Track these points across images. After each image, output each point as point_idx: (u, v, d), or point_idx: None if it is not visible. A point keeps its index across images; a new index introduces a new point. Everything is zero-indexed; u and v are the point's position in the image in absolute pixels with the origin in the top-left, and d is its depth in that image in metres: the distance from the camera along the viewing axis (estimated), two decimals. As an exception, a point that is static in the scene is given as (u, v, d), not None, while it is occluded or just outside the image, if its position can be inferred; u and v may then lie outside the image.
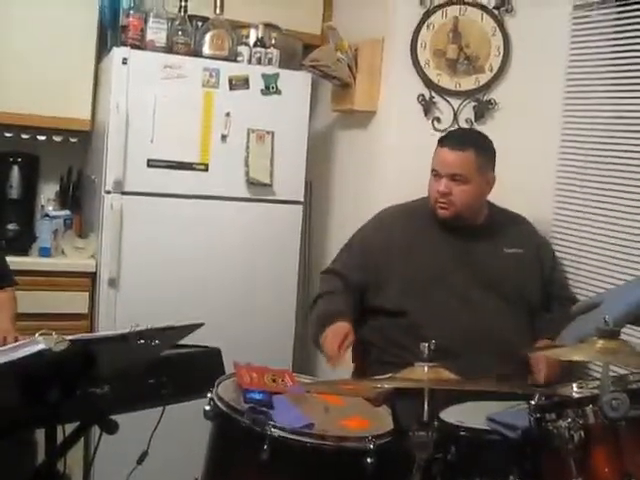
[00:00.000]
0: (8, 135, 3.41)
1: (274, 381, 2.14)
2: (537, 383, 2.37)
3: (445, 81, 3.20)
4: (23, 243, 3.30)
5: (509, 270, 2.63)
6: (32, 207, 3.47)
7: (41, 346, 1.53)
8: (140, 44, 3.18)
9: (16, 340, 2.21)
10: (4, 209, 3.37)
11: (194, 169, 3.23)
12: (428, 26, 3.18)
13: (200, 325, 1.98)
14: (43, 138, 3.48)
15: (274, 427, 1.88)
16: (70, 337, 1.60)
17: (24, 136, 3.45)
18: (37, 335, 1.57)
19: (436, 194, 2.61)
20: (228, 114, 3.26)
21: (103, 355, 1.77)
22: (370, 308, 2.67)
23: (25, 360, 1.52)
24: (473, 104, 3.18)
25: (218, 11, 3.31)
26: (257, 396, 2.00)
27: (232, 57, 3.34)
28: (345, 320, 2.49)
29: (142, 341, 1.77)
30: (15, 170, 3.37)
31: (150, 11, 3.21)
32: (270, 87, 3.33)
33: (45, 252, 3.26)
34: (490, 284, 2.60)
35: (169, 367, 2.05)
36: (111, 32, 3.33)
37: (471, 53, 3.15)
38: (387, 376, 1.87)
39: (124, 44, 3.15)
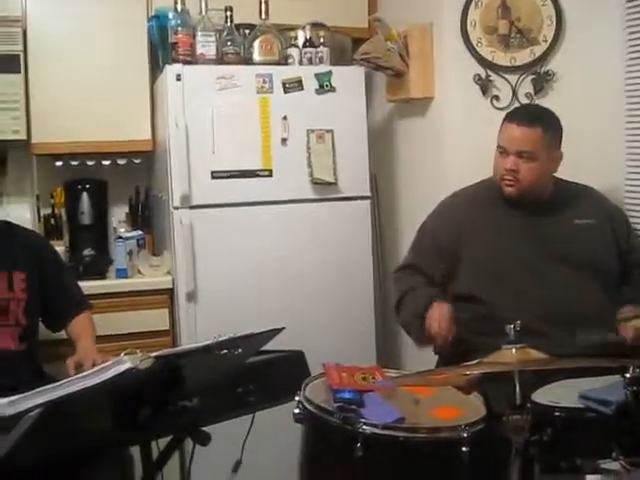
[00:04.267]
0: (74, 164, 3.48)
1: (364, 379, 2.12)
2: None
3: (500, 58, 3.14)
4: (100, 267, 3.36)
5: (582, 241, 2.57)
6: (105, 231, 3.54)
7: (127, 365, 1.55)
8: (191, 59, 3.21)
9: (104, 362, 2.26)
10: (78, 236, 3.45)
11: (258, 176, 3.24)
12: (476, 4, 3.12)
13: (281, 330, 1.98)
14: (108, 163, 3.54)
15: (365, 424, 1.87)
16: (154, 354, 1.62)
17: (89, 163, 3.52)
18: (122, 355, 1.59)
19: (503, 171, 2.57)
20: (285, 117, 3.26)
21: (189, 368, 1.78)
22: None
23: (113, 380, 1.54)
24: (531, 77, 3.11)
25: (264, 16, 3.32)
26: (347, 395, 1.99)
27: (283, 60, 3.35)
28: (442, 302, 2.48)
29: (225, 351, 1.78)
30: (85, 197, 3.45)
31: (197, 25, 3.23)
32: (324, 85, 3.32)
33: (122, 273, 3.31)
34: (564, 258, 2.55)
35: (255, 374, 2.05)
36: (162, 51, 3.37)
37: (523, 26, 3.08)
38: (475, 362, 1.84)
39: (176, 61, 3.18)
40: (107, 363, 1.58)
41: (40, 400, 1.52)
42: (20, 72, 3.25)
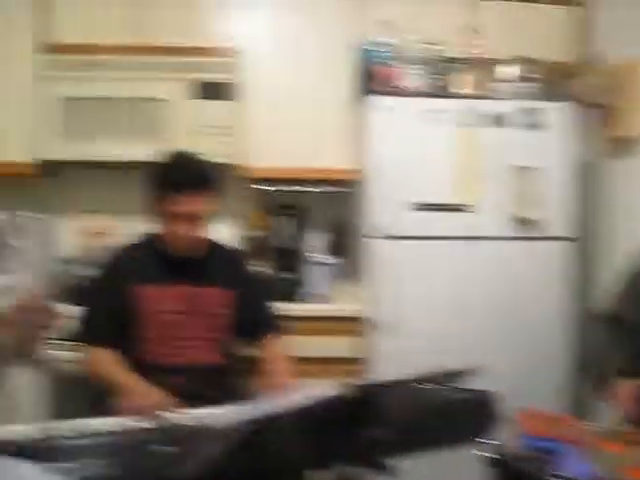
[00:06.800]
0: (282, 189, 3.59)
1: (559, 429, 2.04)
2: None
3: None
4: (296, 290, 3.45)
5: None
6: (303, 255, 3.62)
7: (335, 391, 1.57)
8: (397, 90, 3.25)
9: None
10: (278, 259, 3.54)
11: (460, 210, 3.23)
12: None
13: (476, 370, 1.94)
14: (310, 189, 3.62)
15: (558, 477, 1.79)
16: (358, 382, 1.63)
17: (292, 188, 3.59)
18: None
19: None
20: (491, 152, 3.23)
21: (386, 399, 1.78)
22: None
23: (317, 405, 1.57)
24: None
25: (472, 50, 3.31)
26: (542, 444, 1.92)
27: (490, 94, 3.32)
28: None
29: (422, 385, 1.76)
30: (287, 221, 3.56)
31: (405, 56, 3.27)
32: (532, 121, 3.25)
33: (317, 298, 3.38)
34: None
35: (447, 411, 2.02)
36: (367, 80, 3.41)
37: None
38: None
39: (381, 92, 3.23)
40: (314, 390, 1.61)
41: (249, 415, 1.56)
42: (230, 99, 3.39)
